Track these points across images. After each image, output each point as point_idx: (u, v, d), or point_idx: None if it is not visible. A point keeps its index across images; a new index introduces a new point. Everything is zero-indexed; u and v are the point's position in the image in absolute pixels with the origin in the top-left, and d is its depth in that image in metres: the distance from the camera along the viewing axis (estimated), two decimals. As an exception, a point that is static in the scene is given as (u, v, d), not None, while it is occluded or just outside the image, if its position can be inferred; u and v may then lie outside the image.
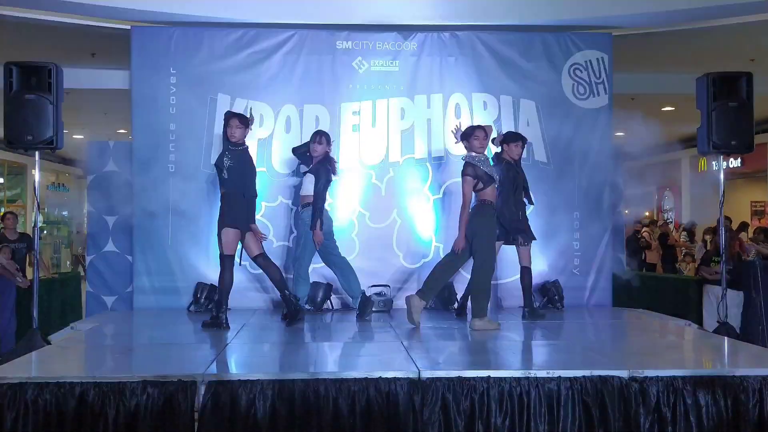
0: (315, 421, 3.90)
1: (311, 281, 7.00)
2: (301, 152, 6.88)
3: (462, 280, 6.85)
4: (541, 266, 7.40)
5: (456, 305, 6.90)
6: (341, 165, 7.39)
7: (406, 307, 6.00)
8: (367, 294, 6.71)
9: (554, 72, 7.68)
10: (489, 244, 5.93)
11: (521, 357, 5.25)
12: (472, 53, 7.65)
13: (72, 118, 8.47)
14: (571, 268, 7.61)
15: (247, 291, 7.27)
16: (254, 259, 6.15)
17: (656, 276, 9.63)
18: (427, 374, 4.07)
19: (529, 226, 6.64)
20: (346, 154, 7.48)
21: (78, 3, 6.91)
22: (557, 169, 7.63)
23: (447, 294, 7.14)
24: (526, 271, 6.63)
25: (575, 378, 4.04)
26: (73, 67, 7.17)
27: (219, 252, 6.01)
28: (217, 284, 6.23)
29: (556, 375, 4.07)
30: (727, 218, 8.22)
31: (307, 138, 7.09)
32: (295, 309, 6.07)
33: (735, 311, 7.48)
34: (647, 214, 18.83)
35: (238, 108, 7.29)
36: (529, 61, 7.68)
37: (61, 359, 4.88)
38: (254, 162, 6.28)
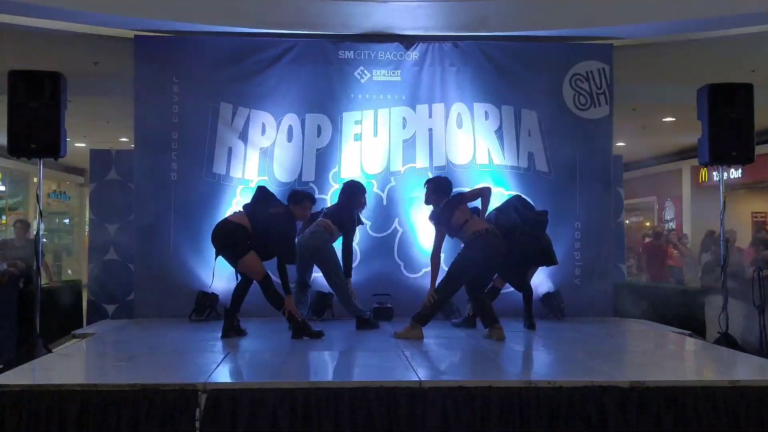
0: (316, 430, 3.89)
1: (314, 290, 7.03)
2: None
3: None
4: (542, 276, 7.43)
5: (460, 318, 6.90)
6: (343, 174, 7.43)
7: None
8: (368, 312, 6.75)
9: (555, 82, 7.71)
10: (466, 264, 5.93)
11: (522, 366, 5.25)
12: (474, 63, 7.68)
13: (75, 127, 8.48)
14: (572, 278, 7.62)
15: (248, 299, 7.27)
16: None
17: (658, 286, 9.59)
18: (428, 383, 4.08)
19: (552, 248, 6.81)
20: (347, 163, 7.50)
21: (82, 12, 6.93)
22: (558, 179, 7.65)
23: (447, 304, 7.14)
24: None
25: (576, 387, 4.05)
26: (76, 76, 7.17)
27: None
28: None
29: (556, 384, 4.07)
30: None
31: (307, 148, 7.26)
32: (301, 326, 6.03)
33: (739, 321, 7.46)
34: (647, 224, 18.84)
35: (240, 116, 7.37)
36: (530, 72, 7.71)
37: (63, 367, 4.88)
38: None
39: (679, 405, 4.02)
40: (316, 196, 7.48)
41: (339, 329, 6.57)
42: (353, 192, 6.73)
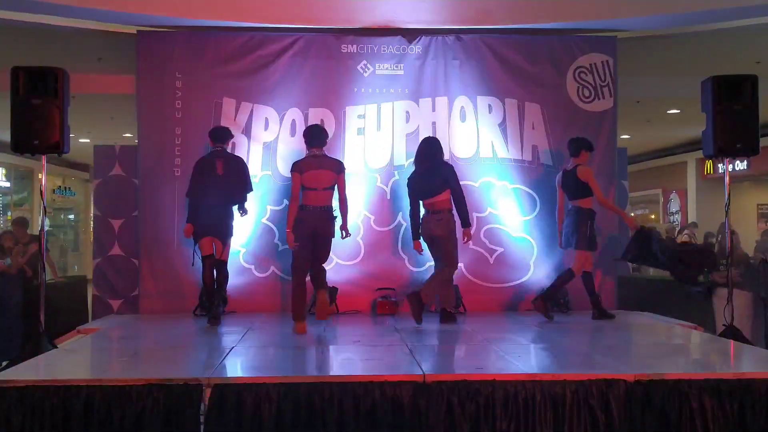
0: (320, 425, 3.90)
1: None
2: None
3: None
4: (547, 270, 7.41)
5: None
6: (347, 169, 7.40)
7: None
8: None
9: (559, 75, 7.69)
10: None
11: (526, 360, 5.24)
12: (477, 57, 7.65)
13: (78, 123, 8.49)
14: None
15: (253, 294, 7.29)
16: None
17: (663, 279, 9.53)
18: (432, 378, 4.08)
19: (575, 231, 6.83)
20: (351, 157, 7.48)
21: (85, 8, 6.93)
22: (563, 173, 7.62)
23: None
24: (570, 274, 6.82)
25: (580, 381, 4.04)
26: (79, 72, 7.17)
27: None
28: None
29: (561, 378, 4.07)
30: None
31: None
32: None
33: (747, 313, 7.44)
34: (653, 216, 18.81)
35: (243, 112, 7.37)
36: (533, 65, 7.69)
37: (68, 363, 4.90)
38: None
39: (684, 398, 4.02)
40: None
41: (343, 323, 6.58)
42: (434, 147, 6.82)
